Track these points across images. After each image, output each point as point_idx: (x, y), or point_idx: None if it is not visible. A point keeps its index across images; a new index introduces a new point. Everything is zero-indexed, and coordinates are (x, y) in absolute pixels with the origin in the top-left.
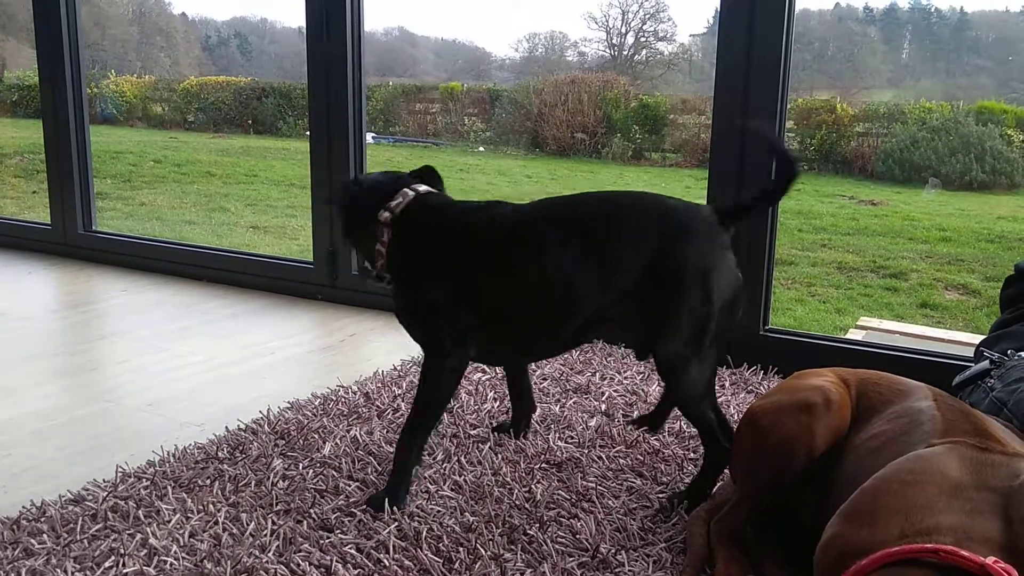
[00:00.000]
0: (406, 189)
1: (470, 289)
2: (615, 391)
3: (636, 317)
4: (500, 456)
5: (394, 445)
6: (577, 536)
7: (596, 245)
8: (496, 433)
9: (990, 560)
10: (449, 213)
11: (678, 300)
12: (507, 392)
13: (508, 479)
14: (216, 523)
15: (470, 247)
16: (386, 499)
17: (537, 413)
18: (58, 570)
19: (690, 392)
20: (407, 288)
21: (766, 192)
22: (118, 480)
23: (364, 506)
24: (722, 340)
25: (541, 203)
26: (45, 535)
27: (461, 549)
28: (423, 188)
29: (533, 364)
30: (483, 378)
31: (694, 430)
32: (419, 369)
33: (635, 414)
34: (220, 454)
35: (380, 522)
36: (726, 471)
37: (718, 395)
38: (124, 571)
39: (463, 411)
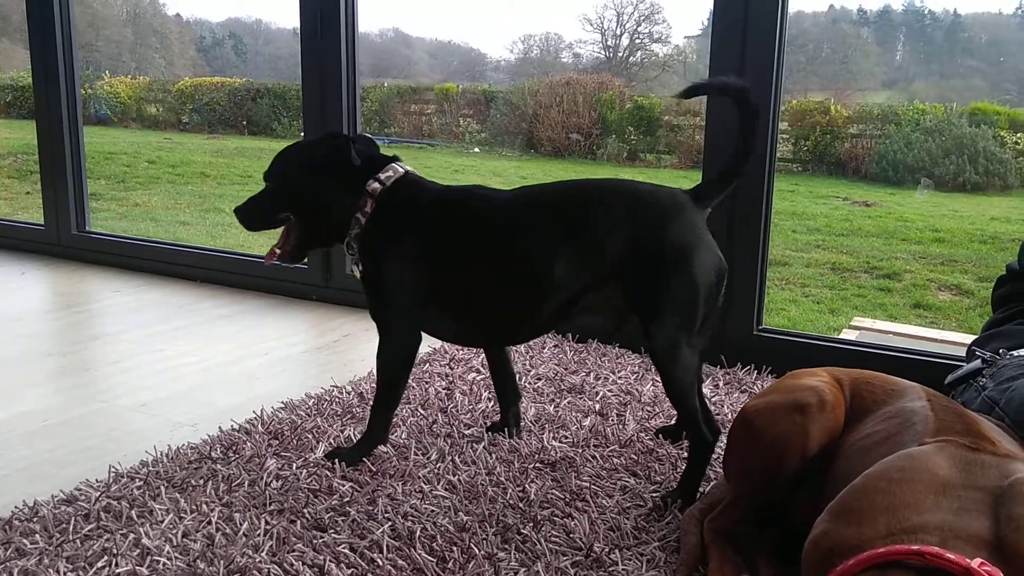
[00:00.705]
0: (395, 164)
1: (446, 271)
2: (609, 391)
3: (618, 302)
4: (494, 456)
5: (387, 444)
6: (571, 535)
7: (571, 230)
8: (490, 432)
9: (975, 563)
10: (431, 194)
11: (661, 285)
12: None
13: (502, 478)
14: (209, 523)
15: (448, 229)
16: (343, 458)
17: (525, 406)
18: (50, 570)
19: (680, 378)
20: (376, 263)
21: (736, 156)
22: (111, 480)
23: (326, 458)
24: (710, 325)
25: (519, 190)
26: (38, 535)
27: (455, 548)
28: (408, 167)
29: (527, 363)
30: (477, 378)
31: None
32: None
33: (655, 422)
34: (213, 454)
35: (374, 521)
36: (719, 470)
37: (712, 395)
38: (117, 571)
39: (457, 411)
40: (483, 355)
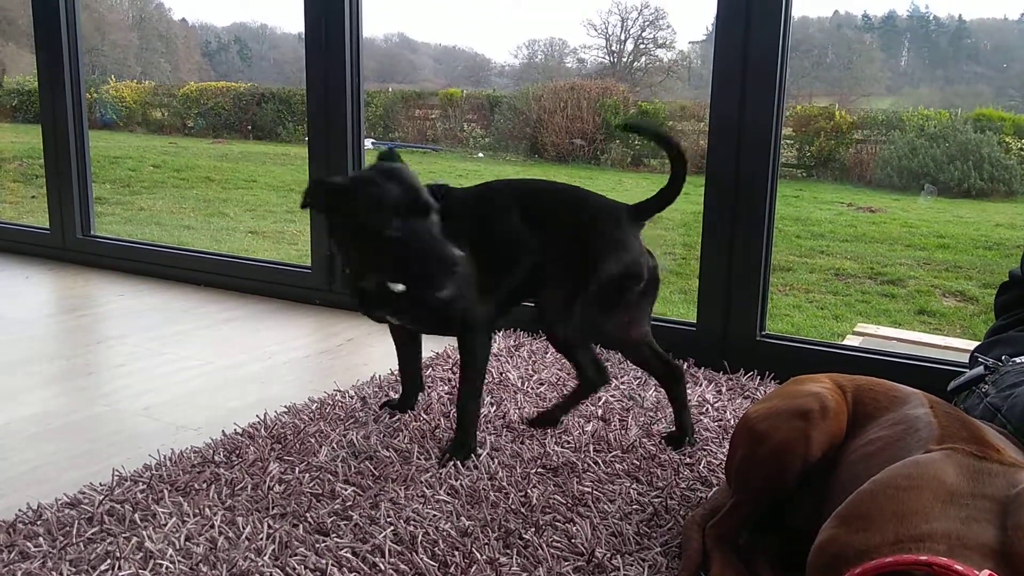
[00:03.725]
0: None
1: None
2: (611, 396)
3: (562, 275)
4: (496, 460)
5: (391, 449)
6: (573, 540)
7: (536, 219)
8: (385, 407)
9: (983, 575)
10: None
11: (580, 272)
12: (502, 396)
13: (504, 483)
14: (212, 527)
15: (477, 225)
16: (458, 454)
17: (424, 393)
18: (54, 573)
19: (565, 338)
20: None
21: (671, 184)
22: (114, 484)
23: (445, 459)
24: (642, 320)
25: (509, 181)
26: (41, 538)
27: (456, 553)
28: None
29: (530, 368)
30: None
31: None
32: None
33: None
34: (216, 458)
35: (376, 526)
36: (720, 476)
37: (715, 401)
38: (120, 574)
39: None
40: None
